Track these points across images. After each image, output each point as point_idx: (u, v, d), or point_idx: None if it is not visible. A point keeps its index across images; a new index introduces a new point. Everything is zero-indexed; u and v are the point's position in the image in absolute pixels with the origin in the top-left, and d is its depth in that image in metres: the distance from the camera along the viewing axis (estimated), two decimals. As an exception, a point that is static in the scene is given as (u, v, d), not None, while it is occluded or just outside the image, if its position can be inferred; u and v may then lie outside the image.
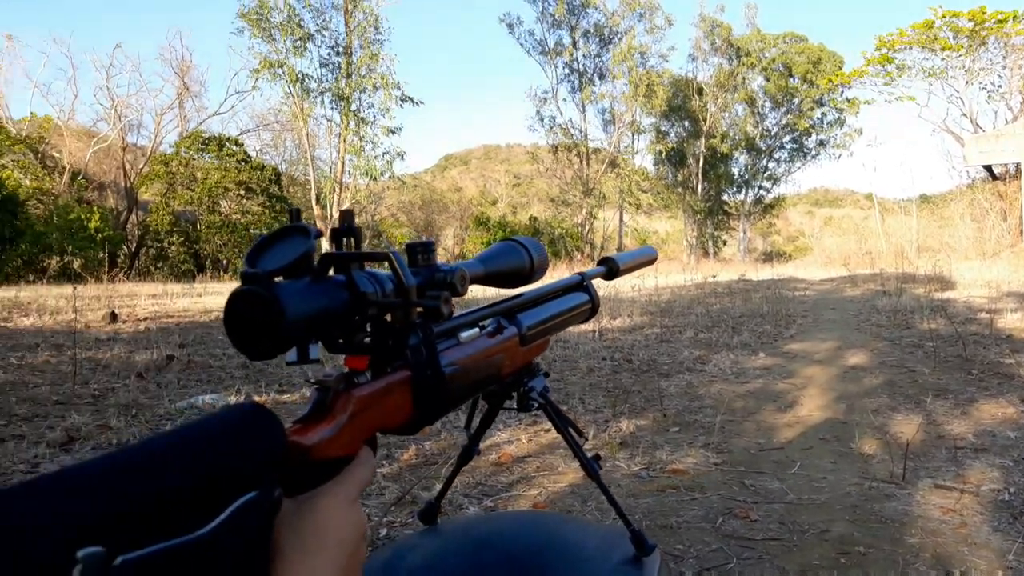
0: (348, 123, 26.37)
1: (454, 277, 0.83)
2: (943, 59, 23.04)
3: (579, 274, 1.23)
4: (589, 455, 1.15)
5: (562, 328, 1.17)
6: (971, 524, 2.03)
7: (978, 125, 23.22)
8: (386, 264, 0.75)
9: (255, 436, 0.56)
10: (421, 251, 0.84)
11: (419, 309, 0.73)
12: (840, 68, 30.74)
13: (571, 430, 1.14)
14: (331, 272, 0.72)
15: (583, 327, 6.62)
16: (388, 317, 0.75)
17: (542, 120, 32.86)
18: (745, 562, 1.81)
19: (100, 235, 22.00)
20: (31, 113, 28.91)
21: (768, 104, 34.32)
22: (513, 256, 1.02)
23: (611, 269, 1.33)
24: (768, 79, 33.67)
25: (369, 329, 0.75)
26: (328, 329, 0.68)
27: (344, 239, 0.76)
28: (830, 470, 2.56)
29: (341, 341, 0.74)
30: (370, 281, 0.72)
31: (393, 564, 1.04)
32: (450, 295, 0.75)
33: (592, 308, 1.24)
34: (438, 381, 0.78)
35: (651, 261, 1.51)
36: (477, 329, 0.94)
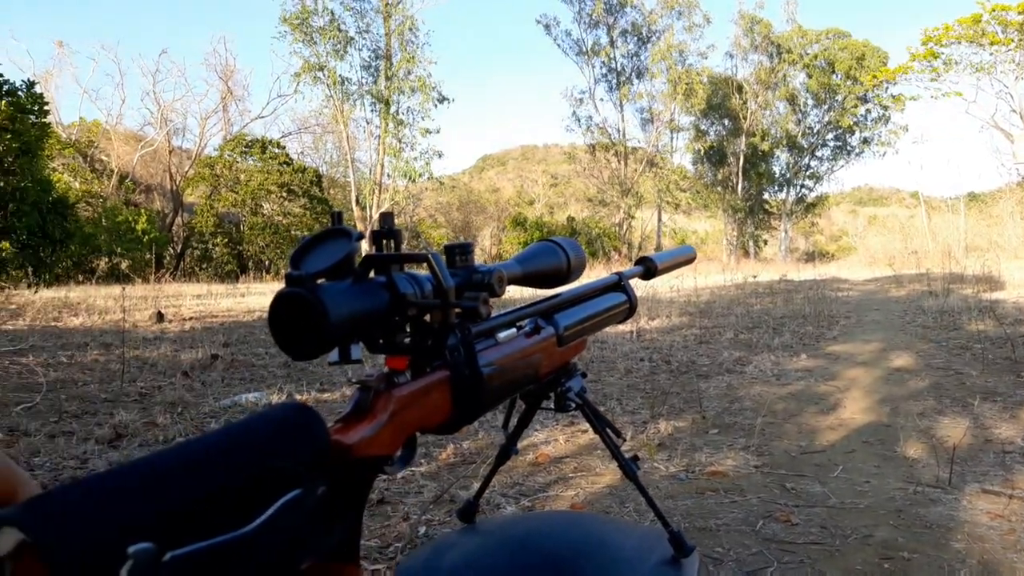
0: (387, 125, 26.62)
1: (491, 278, 0.83)
2: (991, 54, 22.48)
3: (616, 274, 1.22)
4: (627, 456, 1.15)
5: (599, 328, 1.18)
6: (1020, 530, 1.98)
7: (1029, 121, 22.59)
8: (425, 266, 0.76)
9: (299, 436, 0.57)
10: (459, 252, 0.85)
11: (457, 310, 0.74)
12: (884, 64, 30.17)
13: (609, 431, 1.14)
14: (372, 273, 0.74)
15: (621, 327, 6.59)
16: (427, 318, 0.76)
17: (578, 120, 32.82)
18: (786, 566, 1.79)
19: (147, 237, 22.51)
20: (80, 118, 29.80)
21: (810, 101, 33.78)
22: (550, 257, 1.02)
23: (649, 269, 1.32)
24: (810, 76, 33.14)
25: (409, 330, 0.77)
26: (369, 330, 0.69)
27: (384, 241, 0.77)
28: (873, 474, 2.52)
29: (382, 341, 0.75)
30: (410, 282, 0.73)
31: (432, 562, 1.06)
32: (488, 296, 0.76)
33: (630, 308, 1.23)
34: (476, 381, 0.79)
35: (690, 260, 1.51)
36: (515, 329, 0.94)
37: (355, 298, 0.66)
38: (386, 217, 0.79)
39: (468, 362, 0.78)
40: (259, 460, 0.52)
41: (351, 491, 0.64)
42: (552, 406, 1.10)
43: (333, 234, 0.67)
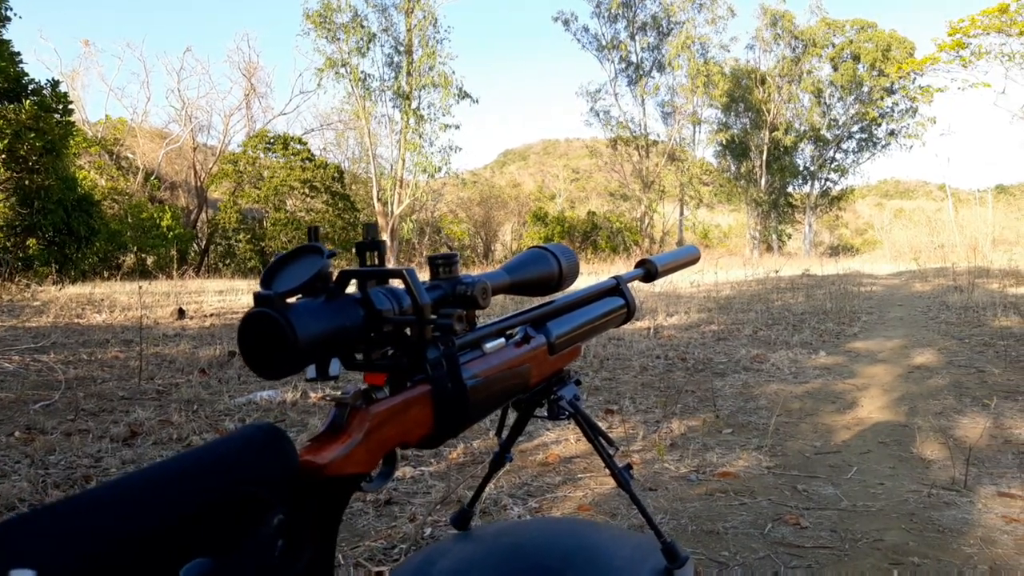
0: (408, 121, 26.69)
1: (475, 290, 0.82)
2: (1022, 43, 22.03)
3: (614, 278, 1.21)
4: (621, 464, 1.14)
5: (595, 334, 1.16)
6: (1036, 535, 1.94)
7: (1059, 112, 22.16)
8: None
9: (265, 457, 0.57)
10: (443, 264, 0.84)
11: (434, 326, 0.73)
12: (911, 55, 29.70)
13: (602, 440, 1.13)
14: (354, 288, 0.73)
15: (638, 324, 6.56)
16: (408, 332, 0.76)
17: (597, 115, 32.65)
18: (792, 571, 1.77)
19: (172, 233, 22.78)
20: (106, 115, 30.10)
21: (836, 93, 33.33)
22: (540, 264, 1.01)
23: (649, 271, 1.31)
24: (836, 68, 32.71)
25: (388, 345, 0.76)
26: (344, 347, 0.69)
27: (368, 253, 0.77)
28: (888, 475, 2.48)
29: (359, 358, 0.74)
30: (387, 298, 0.72)
31: (423, 570, 1.05)
32: (464, 312, 0.75)
33: (628, 312, 1.22)
34: (459, 394, 0.78)
35: (693, 261, 1.49)
36: (503, 339, 0.93)
37: (327, 316, 0.65)
38: (370, 229, 0.78)
39: (451, 375, 0.77)
40: (222, 484, 0.52)
41: (323, 511, 0.64)
42: (545, 414, 1.10)
43: (305, 251, 0.67)
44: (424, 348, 0.75)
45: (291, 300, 0.64)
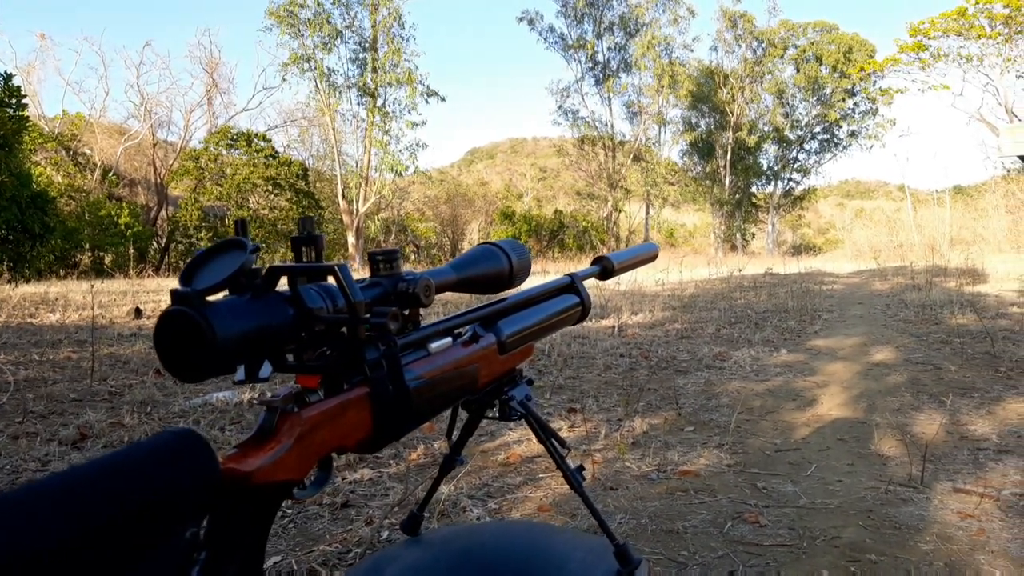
0: (374, 118, 26.50)
1: (417, 287, 0.79)
2: (980, 46, 22.56)
3: (569, 275, 1.19)
4: (573, 466, 1.11)
5: (549, 333, 1.14)
6: (989, 530, 1.96)
7: (1014, 114, 22.73)
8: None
9: (181, 465, 0.53)
10: (383, 260, 0.80)
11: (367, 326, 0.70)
12: (872, 57, 30.24)
13: (554, 441, 1.10)
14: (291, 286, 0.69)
15: (602, 323, 6.57)
16: (345, 331, 0.72)
17: (565, 114, 32.71)
18: (751, 569, 1.76)
19: (130, 231, 22.34)
20: (63, 111, 29.39)
21: (799, 95, 33.81)
22: (490, 261, 0.98)
23: (605, 268, 1.29)
24: (798, 69, 33.18)
25: (322, 345, 0.72)
26: (272, 347, 0.65)
27: (304, 248, 0.73)
28: (846, 472, 2.50)
29: (291, 359, 0.70)
30: (320, 295, 0.69)
31: (370, 577, 1.02)
32: (399, 310, 0.71)
33: (583, 310, 1.19)
34: (401, 396, 0.75)
35: (651, 258, 1.47)
36: (450, 339, 0.90)
37: (251, 314, 0.61)
38: (306, 222, 0.74)
39: (392, 377, 0.74)
40: (128, 495, 0.48)
41: (249, 522, 0.60)
42: (496, 415, 1.07)
43: (228, 246, 0.63)
44: (361, 348, 0.71)
45: (214, 297, 0.60)
